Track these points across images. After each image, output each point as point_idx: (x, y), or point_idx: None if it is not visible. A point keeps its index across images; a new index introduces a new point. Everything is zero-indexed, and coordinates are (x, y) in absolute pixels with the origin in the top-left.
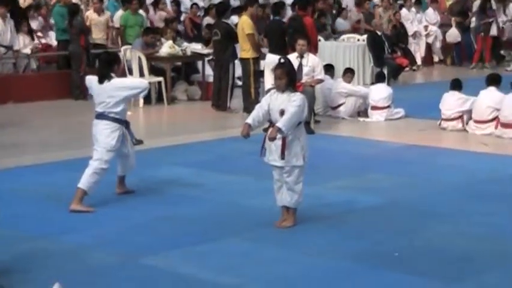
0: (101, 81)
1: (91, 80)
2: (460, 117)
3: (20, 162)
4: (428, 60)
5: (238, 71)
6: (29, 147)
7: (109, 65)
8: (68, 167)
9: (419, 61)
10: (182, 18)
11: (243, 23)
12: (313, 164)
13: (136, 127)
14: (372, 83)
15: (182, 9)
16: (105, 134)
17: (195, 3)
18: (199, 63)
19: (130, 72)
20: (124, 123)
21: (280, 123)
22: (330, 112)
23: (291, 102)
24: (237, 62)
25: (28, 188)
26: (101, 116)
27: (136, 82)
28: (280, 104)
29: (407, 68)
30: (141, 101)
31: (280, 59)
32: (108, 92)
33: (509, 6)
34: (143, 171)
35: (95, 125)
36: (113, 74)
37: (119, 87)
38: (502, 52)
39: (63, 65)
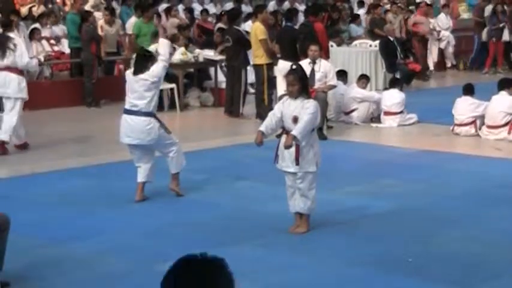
0: (135, 73)
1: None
2: (473, 122)
3: (34, 169)
4: (440, 65)
5: (251, 77)
6: (44, 154)
7: (145, 61)
8: (82, 174)
9: (431, 66)
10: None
11: (255, 29)
12: (326, 170)
13: None
14: (385, 89)
15: (195, 16)
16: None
17: (205, 9)
18: (212, 70)
19: None
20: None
21: (295, 131)
22: (342, 118)
23: (305, 109)
24: (249, 68)
25: (43, 195)
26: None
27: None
28: (293, 111)
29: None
30: None
31: (292, 65)
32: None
33: None
34: (157, 177)
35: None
36: (146, 70)
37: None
38: None
39: (76, 73)
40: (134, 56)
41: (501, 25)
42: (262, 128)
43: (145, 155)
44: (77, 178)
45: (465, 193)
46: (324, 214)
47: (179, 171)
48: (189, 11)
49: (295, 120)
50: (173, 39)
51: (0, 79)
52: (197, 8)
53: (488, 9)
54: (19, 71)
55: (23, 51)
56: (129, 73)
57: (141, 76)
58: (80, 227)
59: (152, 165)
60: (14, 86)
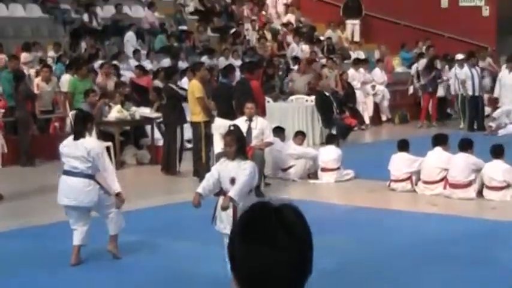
0: (76, 138)
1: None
2: (409, 178)
3: None
4: (376, 119)
5: (187, 134)
6: None
7: (83, 123)
8: (16, 236)
9: (367, 120)
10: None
11: (193, 87)
12: None
13: None
14: (322, 143)
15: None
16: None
17: (140, 65)
18: (148, 127)
19: None
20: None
21: (233, 192)
22: (280, 174)
23: (242, 170)
24: (185, 125)
25: None
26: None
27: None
28: (230, 172)
29: (355, 128)
30: None
31: (229, 126)
32: (82, 150)
33: (454, 65)
34: (92, 237)
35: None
36: (86, 132)
37: (96, 154)
38: (448, 110)
39: (10, 131)
40: (72, 116)
41: (439, 80)
42: (199, 189)
43: (83, 217)
44: (10, 240)
45: (400, 250)
46: None
47: (117, 232)
48: (115, 67)
49: (233, 181)
50: (110, 96)
51: None
52: (132, 63)
53: (422, 63)
54: None
55: None
56: (70, 138)
57: (84, 144)
58: None
59: (88, 228)
60: None
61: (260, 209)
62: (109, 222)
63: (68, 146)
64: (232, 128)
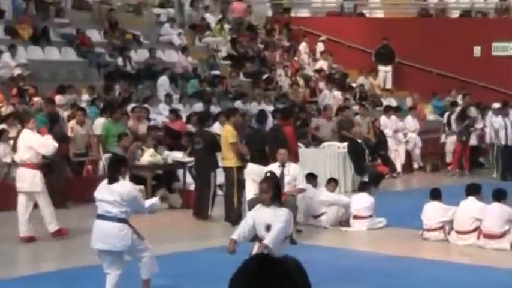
0: (110, 182)
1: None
2: (442, 227)
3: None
4: (407, 167)
5: (219, 179)
6: (9, 258)
7: (117, 167)
8: (48, 279)
9: (399, 168)
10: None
11: (226, 132)
12: None
13: None
14: (353, 191)
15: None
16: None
17: (174, 110)
18: (180, 171)
19: None
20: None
21: (268, 239)
22: (311, 221)
23: (278, 217)
24: (218, 170)
25: None
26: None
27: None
28: (266, 219)
29: (387, 175)
30: None
31: (266, 173)
32: (115, 195)
33: (487, 113)
34: (122, 283)
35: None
36: (120, 176)
37: (132, 197)
38: (481, 160)
39: (45, 173)
40: (105, 159)
41: (472, 129)
42: (234, 236)
43: (116, 261)
44: (42, 283)
45: None
46: None
47: (150, 277)
48: (146, 110)
49: (268, 228)
50: (143, 140)
51: None
52: (163, 107)
53: (456, 110)
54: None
55: None
56: (104, 183)
57: (117, 189)
58: None
59: (122, 272)
60: None
61: (263, 260)
62: (142, 266)
63: (102, 191)
64: (269, 174)
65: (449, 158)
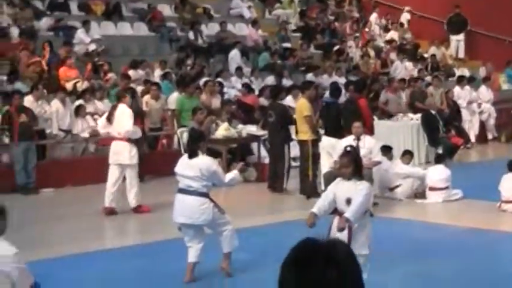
0: (190, 157)
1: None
2: None
3: (79, 249)
4: (482, 137)
5: (293, 152)
6: (88, 233)
7: (197, 142)
8: (129, 254)
9: (473, 139)
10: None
11: (301, 106)
12: (375, 250)
13: None
14: (427, 162)
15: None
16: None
17: (246, 83)
18: (254, 145)
19: None
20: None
21: (349, 213)
22: (387, 193)
23: (358, 191)
24: (291, 143)
25: (86, 276)
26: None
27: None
28: (346, 193)
29: (462, 147)
30: None
31: (346, 147)
32: (196, 170)
33: None
34: (202, 256)
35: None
36: (200, 151)
37: (211, 172)
38: None
39: None
40: (179, 133)
41: None
42: (314, 209)
43: (197, 235)
44: (123, 258)
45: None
46: None
47: (231, 250)
48: (220, 84)
49: (348, 201)
50: (217, 114)
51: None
52: (235, 81)
53: None
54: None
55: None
56: (184, 157)
57: (198, 163)
58: None
59: (203, 245)
60: None
61: (313, 244)
62: (223, 240)
63: (182, 166)
64: (349, 148)
65: None
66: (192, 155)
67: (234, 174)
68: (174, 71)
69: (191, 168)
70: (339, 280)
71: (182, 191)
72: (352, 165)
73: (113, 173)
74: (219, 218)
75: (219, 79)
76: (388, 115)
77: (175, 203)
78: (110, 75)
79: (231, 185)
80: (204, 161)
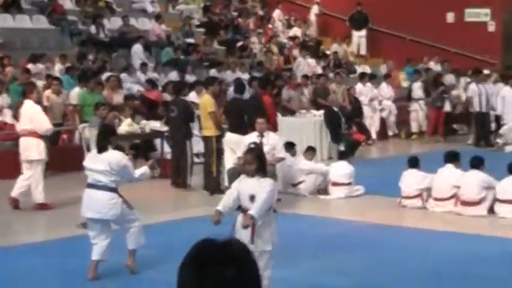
0: (99, 152)
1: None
2: (420, 194)
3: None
4: (382, 134)
5: (196, 148)
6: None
7: (106, 137)
8: (34, 250)
9: (374, 135)
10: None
11: (205, 102)
12: (280, 245)
13: None
14: (330, 158)
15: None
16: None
17: (151, 79)
18: (158, 141)
19: (89, 150)
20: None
21: (253, 210)
22: (290, 189)
23: (262, 188)
24: (193, 139)
25: None
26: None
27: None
28: (249, 190)
29: (363, 143)
30: None
31: (249, 144)
32: (105, 164)
33: (460, 80)
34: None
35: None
36: (109, 146)
37: (121, 166)
38: (454, 126)
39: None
40: (81, 129)
41: (445, 96)
42: (219, 207)
43: (104, 230)
44: (28, 254)
45: (411, 269)
46: None
47: (136, 247)
48: (118, 80)
49: (252, 198)
50: (119, 110)
51: None
52: (139, 76)
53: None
54: None
55: None
56: (93, 152)
57: (107, 158)
58: None
59: (108, 243)
60: None
61: (209, 245)
62: (129, 236)
63: (91, 160)
64: (252, 145)
65: (414, 127)
66: (102, 149)
67: (144, 169)
68: (75, 65)
69: (100, 162)
70: (238, 278)
71: (91, 185)
72: (256, 162)
73: (27, 170)
74: (128, 213)
75: (124, 74)
76: (291, 112)
77: (83, 197)
78: (8, 69)
79: (141, 180)
80: (113, 156)
